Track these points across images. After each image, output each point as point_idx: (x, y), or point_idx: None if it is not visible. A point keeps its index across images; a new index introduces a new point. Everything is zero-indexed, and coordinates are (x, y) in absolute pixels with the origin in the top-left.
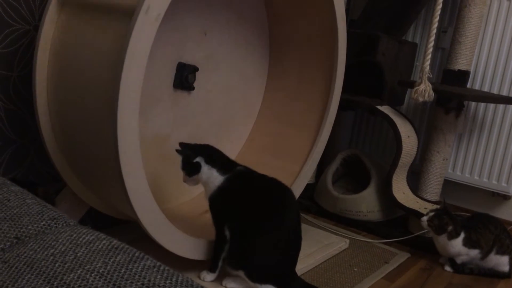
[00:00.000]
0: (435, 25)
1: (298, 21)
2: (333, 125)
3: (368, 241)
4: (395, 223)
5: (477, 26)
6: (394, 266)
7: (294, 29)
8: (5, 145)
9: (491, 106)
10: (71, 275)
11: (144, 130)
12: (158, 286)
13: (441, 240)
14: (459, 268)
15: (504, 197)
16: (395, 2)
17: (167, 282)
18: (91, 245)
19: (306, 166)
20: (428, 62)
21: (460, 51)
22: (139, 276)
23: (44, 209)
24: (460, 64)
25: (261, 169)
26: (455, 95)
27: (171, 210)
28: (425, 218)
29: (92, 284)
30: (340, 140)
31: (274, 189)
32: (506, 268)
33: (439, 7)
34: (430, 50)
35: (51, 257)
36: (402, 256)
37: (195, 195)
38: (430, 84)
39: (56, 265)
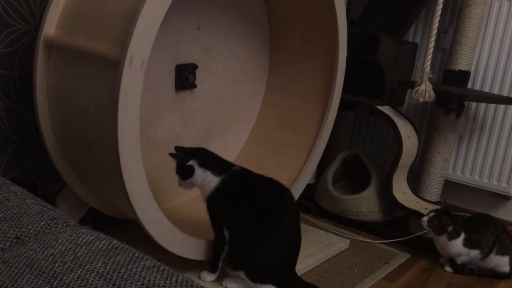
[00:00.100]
0: (436, 25)
1: (298, 19)
2: (333, 125)
3: (368, 241)
4: (395, 224)
5: (478, 27)
6: (394, 266)
7: (295, 25)
8: (5, 145)
9: (492, 106)
10: (71, 275)
11: (154, 136)
12: (158, 286)
13: (441, 240)
14: (459, 268)
15: (505, 198)
16: (395, 2)
17: (167, 282)
18: (91, 245)
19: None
20: (428, 63)
21: (461, 52)
22: (139, 276)
23: (44, 209)
24: (461, 64)
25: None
26: (456, 95)
27: (171, 210)
28: (425, 219)
29: (92, 284)
30: (340, 140)
31: (272, 189)
32: (506, 269)
33: (439, 7)
34: (431, 50)
35: (51, 257)
36: (402, 257)
37: (196, 195)
38: (430, 85)
39: (56, 265)
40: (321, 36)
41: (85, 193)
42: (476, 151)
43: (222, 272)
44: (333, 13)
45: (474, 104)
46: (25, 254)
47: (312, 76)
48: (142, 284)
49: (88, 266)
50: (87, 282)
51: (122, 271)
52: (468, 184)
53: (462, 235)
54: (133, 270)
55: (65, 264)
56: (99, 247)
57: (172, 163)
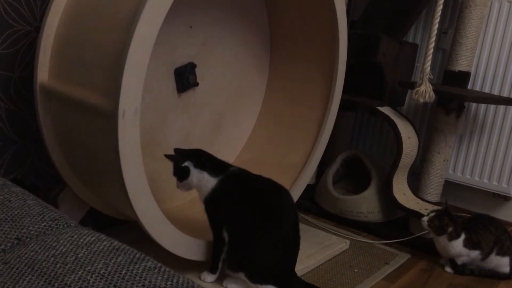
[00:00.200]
0: (436, 26)
1: (297, 19)
2: (334, 126)
3: (369, 242)
4: (396, 224)
5: (478, 27)
6: (395, 267)
7: (294, 25)
8: (6, 146)
9: (492, 107)
10: (72, 276)
11: (165, 141)
12: (159, 287)
13: (442, 241)
14: (460, 269)
15: (505, 198)
16: (396, 3)
17: (168, 283)
18: (92, 246)
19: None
20: (428, 63)
21: (461, 52)
22: (140, 277)
23: (45, 210)
24: (461, 65)
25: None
26: (456, 96)
27: (172, 210)
28: (425, 219)
29: (93, 285)
30: (340, 140)
31: (270, 189)
32: (506, 269)
33: (439, 8)
34: (431, 51)
35: (52, 258)
36: (402, 257)
37: (195, 195)
38: (430, 85)
39: (57, 266)
40: (321, 40)
41: (85, 194)
42: (476, 152)
43: (222, 272)
44: (333, 13)
45: (474, 104)
46: (26, 255)
47: (312, 77)
48: (143, 286)
49: (89, 267)
50: (88, 283)
51: (123, 272)
52: (468, 185)
53: (463, 236)
54: (134, 271)
55: (66, 265)
56: (100, 248)
57: None
